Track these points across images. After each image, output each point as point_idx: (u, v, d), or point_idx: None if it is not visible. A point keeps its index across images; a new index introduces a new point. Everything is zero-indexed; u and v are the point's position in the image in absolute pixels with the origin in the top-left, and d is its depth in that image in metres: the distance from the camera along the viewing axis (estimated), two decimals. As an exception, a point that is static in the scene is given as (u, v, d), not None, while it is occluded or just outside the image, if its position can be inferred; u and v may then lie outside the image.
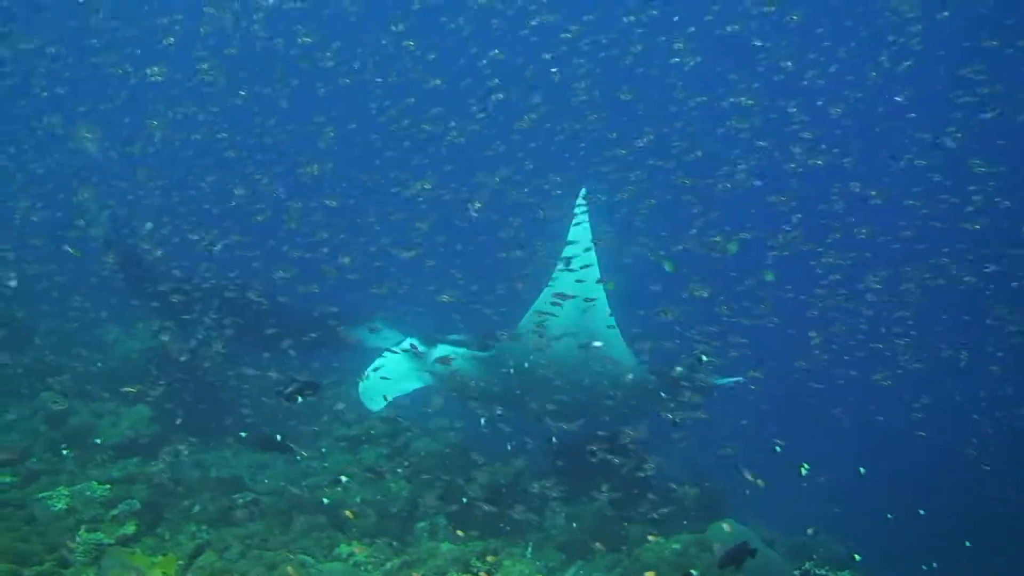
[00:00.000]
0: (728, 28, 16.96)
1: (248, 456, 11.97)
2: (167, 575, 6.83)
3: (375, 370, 12.23)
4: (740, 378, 12.62)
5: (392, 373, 12.16)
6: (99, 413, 11.64)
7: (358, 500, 10.35)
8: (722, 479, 12.31)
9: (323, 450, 12.05)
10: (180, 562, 8.29)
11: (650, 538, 9.83)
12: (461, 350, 11.97)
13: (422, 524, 10.36)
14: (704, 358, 11.74)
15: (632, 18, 19.25)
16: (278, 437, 10.27)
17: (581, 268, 9.94)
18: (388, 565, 9.12)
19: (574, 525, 10.61)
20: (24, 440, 11.07)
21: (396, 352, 12.32)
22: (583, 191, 10.02)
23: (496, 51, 18.19)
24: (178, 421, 11.89)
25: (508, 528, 10.63)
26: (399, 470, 10.98)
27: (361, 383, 12.11)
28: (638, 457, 11.42)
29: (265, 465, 11.81)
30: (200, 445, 12.22)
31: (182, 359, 13.39)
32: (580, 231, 10.03)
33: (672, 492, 11.66)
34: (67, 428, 11.31)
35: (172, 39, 15.83)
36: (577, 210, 10.01)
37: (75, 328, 15.31)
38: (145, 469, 10.26)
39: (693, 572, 7.45)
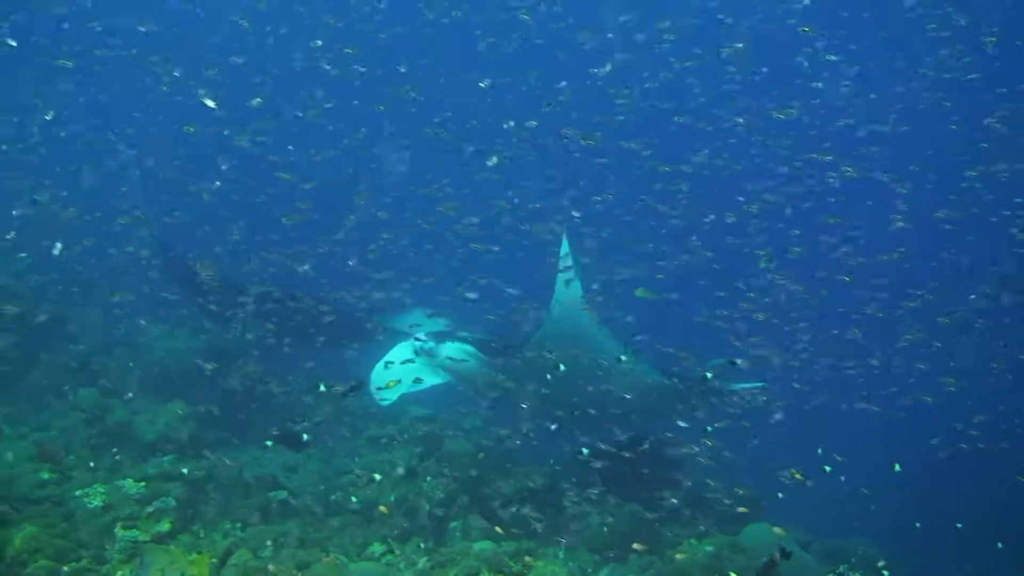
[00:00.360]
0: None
1: (282, 455, 12.04)
2: (201, 573, 6.88)
3: (386, 365, 12.41)
4: (762, 383, 12.61)
5: (402, 369, 12.32)
6: (135, 411, 11.73)
7: (391, 499, 10.37)
8: (755, 481, 12.23)
9: (355, 452, 12.13)
10: (214, 560, 8.36)
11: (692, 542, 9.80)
12: (470, 348, 12.06)
13: (455, 524, 10.37)
14: (737, 362, 11.76)
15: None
16: (304, 436, 10.39)
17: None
18: (420, 564, 9.14)
19: (607, 527, 10.58)
20: (62, 437, 11.20)
21: (406, 348, 12.50)
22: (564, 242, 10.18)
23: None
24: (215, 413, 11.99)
25: (541, 529, 10.62)
26: (432, 469, 10.97)
27: (373, 377, 12.25)
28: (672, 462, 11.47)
29: (299, 464, 11.88)
30: (235, 443, 12.33)
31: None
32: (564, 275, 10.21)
33: (706, 494, 11.64)
34: (104, 426, 11.42)
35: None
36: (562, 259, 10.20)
37: (117, 327, 15.50)
38: (180, 467, 10.33)
39: None
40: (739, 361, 11.84)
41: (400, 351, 12.43)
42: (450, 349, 12.28)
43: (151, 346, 14.52)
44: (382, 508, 10.17)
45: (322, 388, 10.53)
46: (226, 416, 12.49)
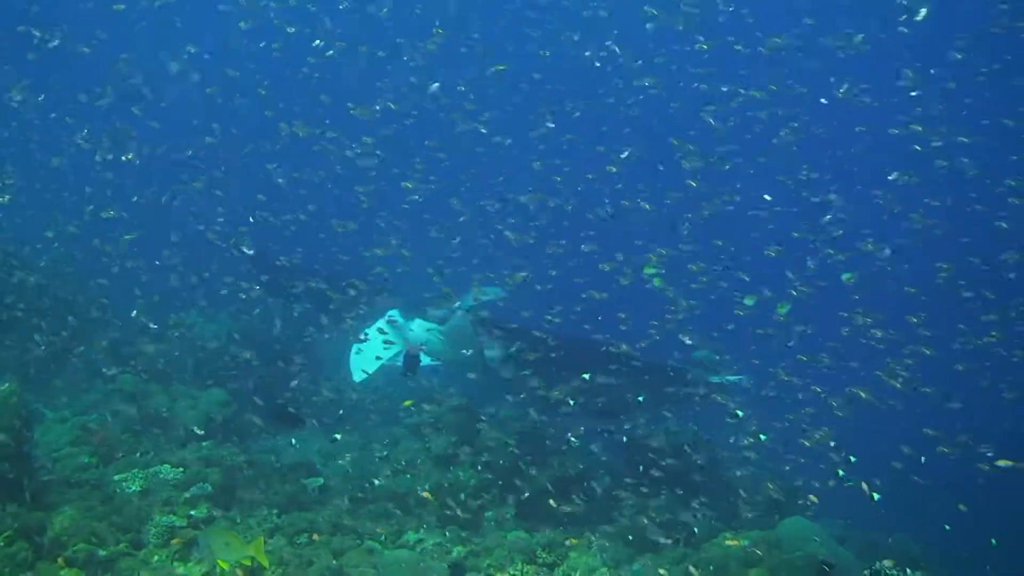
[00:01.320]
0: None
1: (319, 441, 12.11)
2: (259, 556, 6.91)
3: (361, 345, 12.87)
4: (744, 376, 12.72)
5: (375, 348, 12.67)
6: (175, 396, 11.83)
7: (427, 487, 10.41)
8: (792, 476, 12.18)
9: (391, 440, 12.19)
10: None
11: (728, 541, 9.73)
12: (433, 325, 12.29)
13: (490, 513, 10.40)
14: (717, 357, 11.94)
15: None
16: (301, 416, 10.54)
17: None
18: (455, 553, 9.16)
19: (643, 519, 10.55)
20: (103, 422, 11.32)
21: (380, 328, 12.97)
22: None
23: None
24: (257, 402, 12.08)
25: (575, 520, 10.63)
26: (467, 458, 10.99)
27: (351, 357, 12.63)
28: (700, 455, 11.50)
29: (336, 451, 11.93)
30: (273, 430, 12.42)
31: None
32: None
33: (740, 488, 11.59)
34: (145, 411, 11.53)
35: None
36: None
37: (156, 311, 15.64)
38: (219, 452, 10.41)
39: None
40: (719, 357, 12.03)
41: (372, 334, 12.93)
42: (416, 325, 12.82)
43: (191, 329, 14.67)
44: (425, 493, 10.23)
45: None
46: (266, 403, 12.55)
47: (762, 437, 11.47)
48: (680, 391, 12.54)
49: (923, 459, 10.93)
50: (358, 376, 12.82)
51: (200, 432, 11.18)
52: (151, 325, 13.96)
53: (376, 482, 10.70)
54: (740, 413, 10.85)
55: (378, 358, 12.78)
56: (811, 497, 10.06)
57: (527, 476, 10.86)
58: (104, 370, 12.92)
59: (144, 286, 15.36)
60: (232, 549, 6.78)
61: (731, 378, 13.16)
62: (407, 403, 11.83)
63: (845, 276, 11.42)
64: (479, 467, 10.88)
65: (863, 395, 10.41)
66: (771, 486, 11.32)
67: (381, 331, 12.86)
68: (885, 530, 12.89)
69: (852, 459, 10.57)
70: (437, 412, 11.79)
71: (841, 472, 9.39)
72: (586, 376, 11.59)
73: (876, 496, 8.97)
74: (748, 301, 11.44)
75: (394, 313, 13.24)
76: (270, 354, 14.21)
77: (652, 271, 11.16)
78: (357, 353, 13.02)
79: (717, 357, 13.50)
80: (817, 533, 9.97)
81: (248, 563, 7.34)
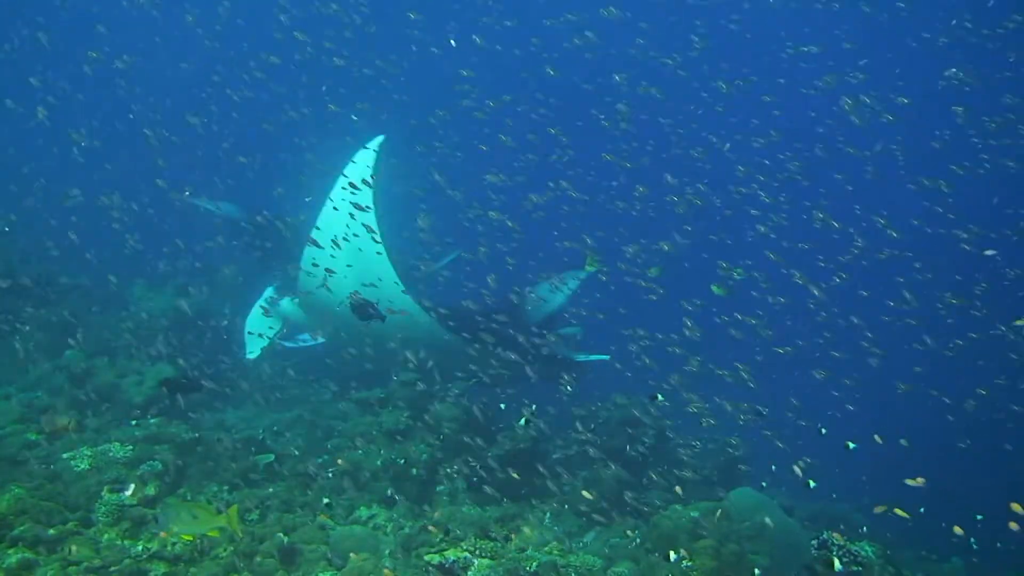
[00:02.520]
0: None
1: (269, 417, 12.03)
2: (233, 526, 6.82)
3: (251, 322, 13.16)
4: (606, 356, 13.06)
5: (259, 325, 13.01)
6: (123, 372, 11.69)
7: (378, 463, 10.39)
8: (741, 448, 12.34)
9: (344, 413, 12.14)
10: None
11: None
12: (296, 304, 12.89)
13: (442, 488, 10.40)
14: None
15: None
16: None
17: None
18: (407, 529, 9.17)
19: (592, 491, 10.63)
20: (49, 398, 11.18)
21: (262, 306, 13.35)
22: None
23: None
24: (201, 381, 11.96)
25: (527, 493, 10.68)
26: (419, 434, 10.98)
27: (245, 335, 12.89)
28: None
29: (286, 427, 11.87)
30: (218, 406, 12.34)
31: None
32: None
33: (689, 460, 11.73)
34: (91, 386, 11.39)
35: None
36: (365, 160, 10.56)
37: (99, 286, 15.46)
38: (167, 429, 10.31)
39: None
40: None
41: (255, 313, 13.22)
42: (286, 305, 13.12)
43: (136, 304, 14.51)
44: (339, 461, 10.23)
45: None
46: (213, 376, 12.44)
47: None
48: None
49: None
50: (251, 353, 12.77)
51: (149, 407, 11.08)
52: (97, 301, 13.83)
53: (327, 458, 10.64)
54: (661, 397, 10.98)
55: (261, 336, 12.90)
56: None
57: (477, 451, 10.89)
58: (49, 348, 12.75)
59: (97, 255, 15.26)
60: (201, 521, 6.67)
61: (595, 357, 13.47)
62: None
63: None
64: (430, 442, 10.88)
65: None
66: (734, 442, 11.51)
67: (263, 308, 13.01)
68: (830, 501, 13.12)
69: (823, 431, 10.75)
70: (389, 388, 11.78)
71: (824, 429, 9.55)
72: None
73: (852, 445, 9.09)
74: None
75: (270, 290, 13.31)
76: (215, 328, 14.10)
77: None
78: (249, 331, 13.10)
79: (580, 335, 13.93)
80: (765, 504, 10.12)
81: (216, 534, 7.29)
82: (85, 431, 10.37)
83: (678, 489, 10.11)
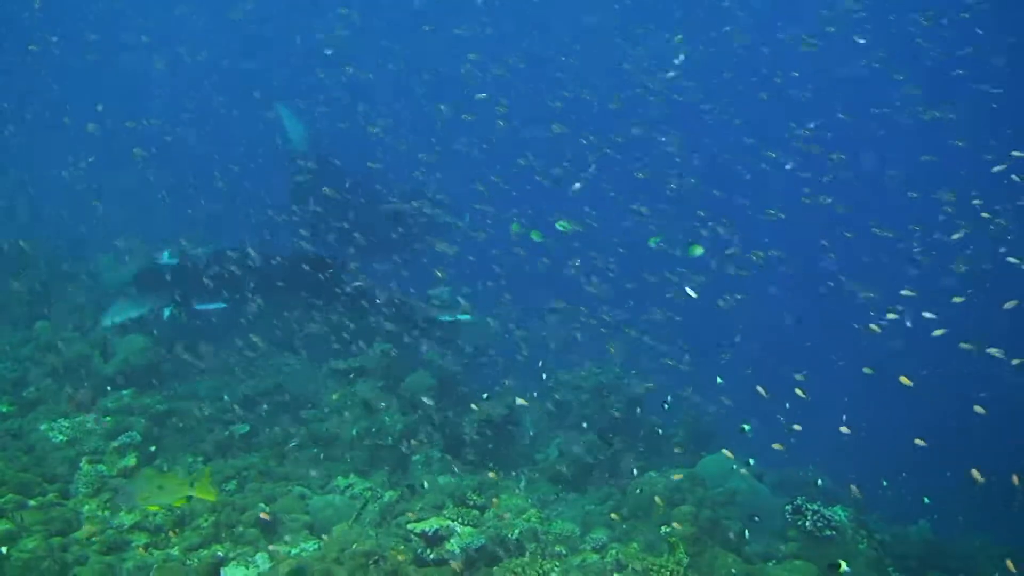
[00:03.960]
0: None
1: (244, 386, 11.99)
2: (206, 494, 6.79)
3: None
4: (468, 316, 13.51)
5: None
6: (94, 344, 11.60)
7: (353, 433, 10.42)
8: (713, 415, 12.51)
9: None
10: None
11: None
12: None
13: (417, 457, 10.45)
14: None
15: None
16: None
17: None
18: (386, 497, 9.20)
19: (566, 459, 10.76)
20: (18, 369, 11.08)
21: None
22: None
23: None
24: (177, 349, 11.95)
25: (501, 462, 10.76)
26: (394, 403, 11.02)
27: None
28: None
29: (260, 396, 11.83)
30: (193, 374, 12.28)
31: None
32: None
33: (662, 427, 11.88)
34: (64, 358, 11.29)
35: None
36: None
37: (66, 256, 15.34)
38: (141, 400, 10.28)
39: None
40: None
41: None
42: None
43: (101, 276, 14.39)
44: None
45: None
46: (188, 346, 12.38)
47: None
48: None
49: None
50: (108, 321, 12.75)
51: (122, 378, 11.03)
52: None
53: (303, 428, 10.64)
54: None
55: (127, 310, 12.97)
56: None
57: (453, 418, 10.97)
58: (18, 318, 12.64)
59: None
60: (168, 491, 6.63)
61: (462, 317, 13.69)
62: None
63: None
64: (404, 411, 10.92)
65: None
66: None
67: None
68: (797, 466, 13.29)
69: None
70: (365, 357, 11.81)
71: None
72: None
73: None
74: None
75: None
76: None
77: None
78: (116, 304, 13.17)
79: (457, 299, 14.18)
80: (735, 470, 10.29)
81: (181, 504, 7.30)
82: (60, 403, 10.28)
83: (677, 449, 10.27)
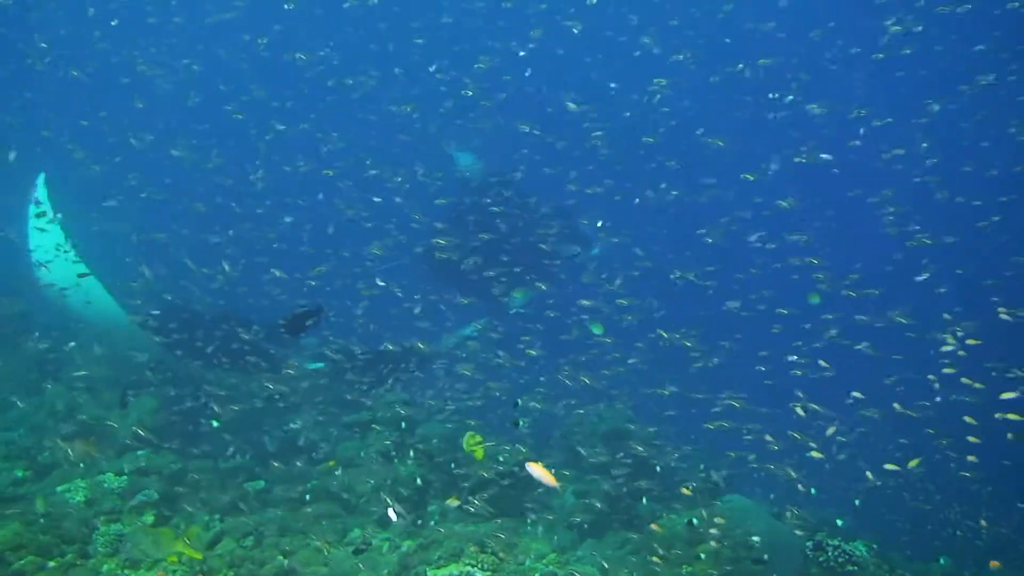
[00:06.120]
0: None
1: (260, 441, 11.97)
2: (191, 553, 6.87)
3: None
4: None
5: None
6: (107, 406, 11.62)
7: (370, 484, 10.40)
8: (728, 458, 12.45)
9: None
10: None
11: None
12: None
13: (432, 507, 10.43)
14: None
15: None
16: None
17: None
18: (404, 547, 9.18)
19: (583, 504, 10.71)
20: (33, 435, 11.09)
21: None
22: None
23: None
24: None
25: (516, 509, 10.71)
26: (408, 454, 11.00)
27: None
28: None
29: (272, 454, 11.82)
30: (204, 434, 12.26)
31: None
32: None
33: (679, 471, 11.84)
34: (76, 422, 11.29)
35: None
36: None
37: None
38: (156, 460, 10.29)
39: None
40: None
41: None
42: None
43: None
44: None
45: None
46: (195, 407, 12.35)
47: None
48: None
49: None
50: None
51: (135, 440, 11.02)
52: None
53: (317, 482, 10.63)
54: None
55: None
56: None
57: (468, 467, 10.94)
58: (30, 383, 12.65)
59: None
60: (162, 545, 6.75)
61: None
62: None
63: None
64: (418, 462, 10.91)
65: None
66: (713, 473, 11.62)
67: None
68: (813, 506, 13.24)
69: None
70: (377, 410, 11.80)
71: None
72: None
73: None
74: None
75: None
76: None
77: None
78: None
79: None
80: (756, 510, 10.26)
81: (174, 560, 7.36)
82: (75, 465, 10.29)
83: (685, 490, 10.21)
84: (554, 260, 16.05)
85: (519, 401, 10.38)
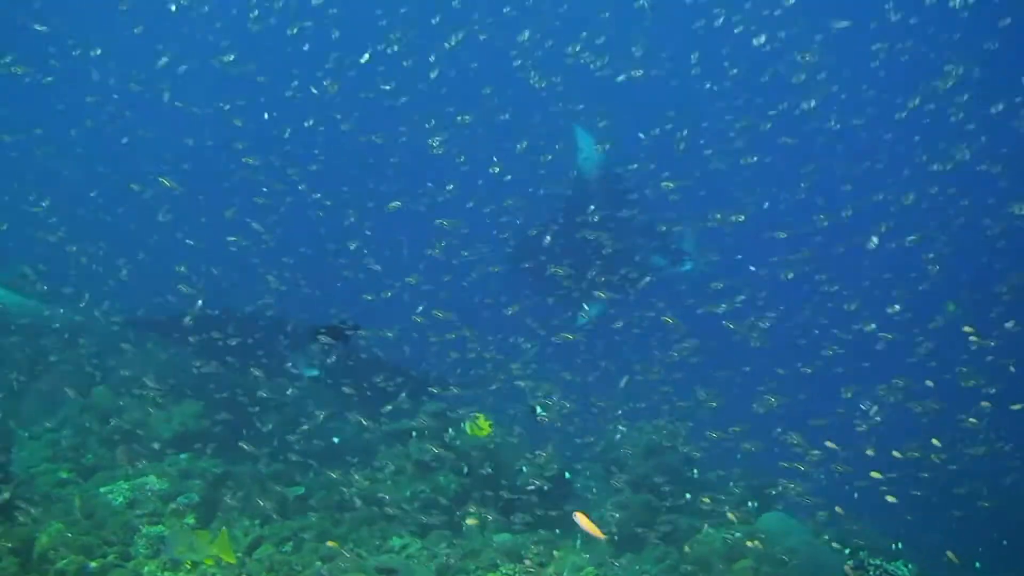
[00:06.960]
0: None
1: (298, 448, 12.04)
2: (225, 553, 6.93)
3: None
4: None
5: None
6: (150, 409, 11.73)
7: (407, 494, 10.42)
8: (767, 471, 12.35)
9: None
10: (238, 553, 8.41)
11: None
12: None
13: (472, 517, 10.42)
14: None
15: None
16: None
17: None
18: (442, 557, 9.19)
19: (622, 517, 10.67)
20: (77, 437, 11.23)
21: None
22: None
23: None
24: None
25: (553, 521, 10.68)
26: (447, 464, 11.00)
27: None
28: None
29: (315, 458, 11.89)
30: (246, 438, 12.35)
31: None
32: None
33: (719, 484, 11.76)
34: (119, 425, 11.41)
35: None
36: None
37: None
38: (198, 464, 10.38)
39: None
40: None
41: None
42: None
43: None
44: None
45: None
46: (237, 413, 12.43)
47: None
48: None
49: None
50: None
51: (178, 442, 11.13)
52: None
53: (356, 490, 10.65)
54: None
55: None
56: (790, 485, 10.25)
57: (507, 478, 10.93)
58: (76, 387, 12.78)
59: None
60: (198, 548, 6.84)
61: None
62: None
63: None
64: (458, 472, 10.91)
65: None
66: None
67: None
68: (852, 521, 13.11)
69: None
70: (416, 419, 11.82)
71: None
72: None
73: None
74: None
75: None
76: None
77: None
78: None
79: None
80: (796, 527, 10.17)
81: (210, 562, 7.43)
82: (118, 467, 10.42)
83: (732, 516, 10.11)
84: (640, 273, 15.52)
85: (537, 407, 10.29)
